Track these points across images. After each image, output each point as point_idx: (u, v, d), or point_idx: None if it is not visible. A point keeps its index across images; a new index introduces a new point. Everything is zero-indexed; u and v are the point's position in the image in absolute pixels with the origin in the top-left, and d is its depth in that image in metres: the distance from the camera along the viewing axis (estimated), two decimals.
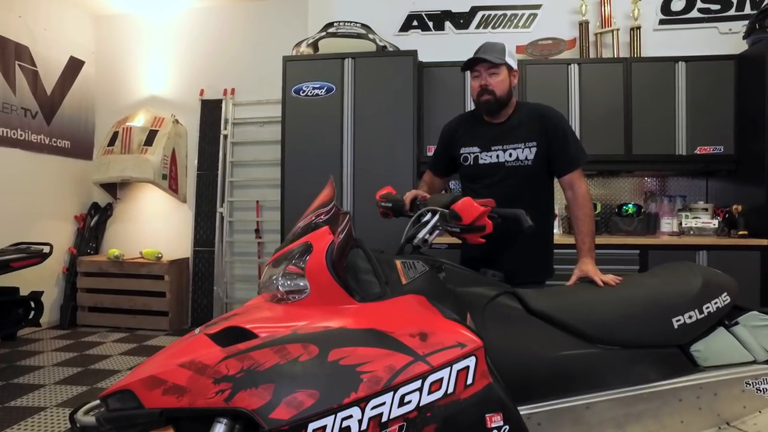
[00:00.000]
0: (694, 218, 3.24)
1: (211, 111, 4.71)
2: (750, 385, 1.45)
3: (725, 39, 3.43)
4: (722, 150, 3.17)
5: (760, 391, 1.45)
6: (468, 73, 1.84)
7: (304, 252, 1.25)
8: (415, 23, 3.74)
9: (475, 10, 3.68)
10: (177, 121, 4.70)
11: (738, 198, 3.15)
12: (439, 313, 1.17)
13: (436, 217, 1.40)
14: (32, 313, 3.55)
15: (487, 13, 3.67)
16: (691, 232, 3.21)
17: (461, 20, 3.69)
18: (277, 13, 4.59)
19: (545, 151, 1.79)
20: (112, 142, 4.51)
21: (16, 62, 4.14)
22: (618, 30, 3.44)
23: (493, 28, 3.65)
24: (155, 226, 4.79)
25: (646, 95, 3.21)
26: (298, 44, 3.45)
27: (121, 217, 4.88)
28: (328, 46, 3.33)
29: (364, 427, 0.99)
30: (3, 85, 4.01)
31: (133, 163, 4.37)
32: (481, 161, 1.84)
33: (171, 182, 4.58)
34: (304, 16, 3.99)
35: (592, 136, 3.22)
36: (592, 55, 3.48)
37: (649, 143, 3.20)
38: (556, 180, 1.88)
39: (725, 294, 1.50)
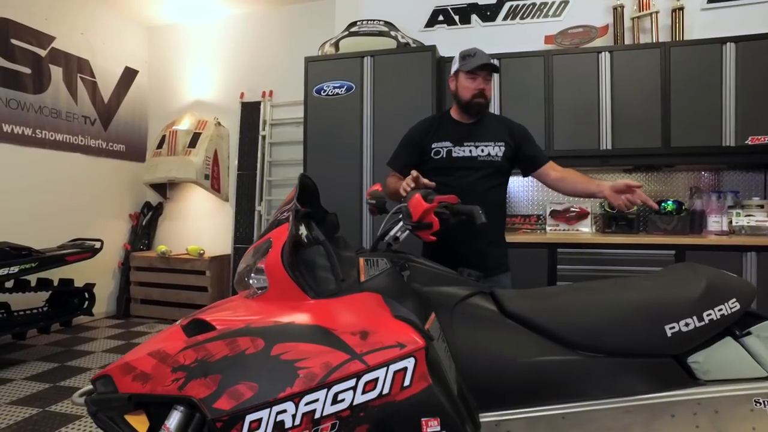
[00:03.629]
0: (746, 216, 2.93)
1: (250, 113, 4.90)
2: (762, 404, 1.29)
3: None
4: None
5: None
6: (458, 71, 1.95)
7: (267, 248, 1.28)
8: (440, 18, 3.67)
9: (502, 0, 3.55)
10: (219, 124, 4.94)
11: None
12: (389, 312, 1.15)
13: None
14: (86, 303, 3.87)
15: (515, 3, 3.52)
16: (743, 232, 2.91)
17: (488, 12, 3.57)
18: (311, 16, 4.69)
19: (511, 153, 1.98)
20: (160, 145, 4.83)
21: (78, 75, 4.54)
22: (657, 13, 3.17)
23: (522, 18, 3.50)
24: (200, 224, 5.07)
25: (687, 82, 2.94)
26: (323, 45, 3.50)
27: (171, 215, 5.21)
28: (351, 45, 3.36)
29: (297, 422, 1.00)
30: (66, 96, 4.41)
31: (178, 165, 4.65)
32: (454, 154, 1.97)
33: (213, 182, 4.81)
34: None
35: (625, 128, 3.01)
36: (627, 41, 3.24)
37: (691, 134, 2.93)
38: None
39: (734, 300, 1.34)
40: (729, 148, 2.90)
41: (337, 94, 3.19)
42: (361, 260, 1.33)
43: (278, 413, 0.99)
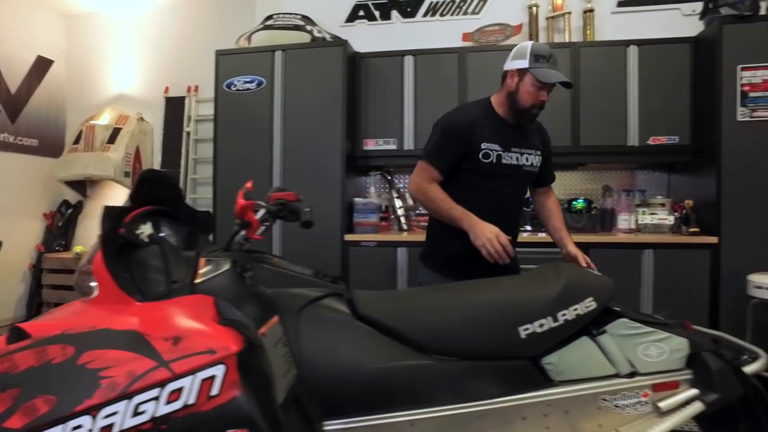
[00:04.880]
0: (650, 214, 3.01)
1: (174, 108, 4.68)
2: (607, 401, 1.30)
3: (688, 21, 3.16)
4: (678, 140, 2.93)
5: (619, 407, 1.30)
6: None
7: (97, 249, 1.19)
8: (361, 13, 3.60)
9: None
10: (142, 119, 4.69)
11: (695, 192, 2.91)
12: (214, 316, 1.07)
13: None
14: None
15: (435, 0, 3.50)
16: (647, 230, 2.99)
17: (408, 8, 3.53)
18: (237, 9, 4.50)
19: (541, 163, 1.90)
20: (77, 141, 4.54)
21: None
22: (570, 14, 3.22)
23: (441, 15, 3.48)
24: None
25: (595, 83, 2.98)
26: (238, 39, 3.37)
27: (91, 214, 4.91)
28: (266, 39, 3.24)
29: None
30: None
31: (95, 161, 4.38)
32: (504, 161, 1.80)
33: (134, 179, 4.57)
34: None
35: None
36: (542, 41, 3.27)
37: (599, 134, 2.99)
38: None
39: (590, 299, 1.33)
40: (633, 147, 2.97)
41: (248, 89, 3.07)
42: (202, 260, 1.24)
43: (73, 429, 0.89)
